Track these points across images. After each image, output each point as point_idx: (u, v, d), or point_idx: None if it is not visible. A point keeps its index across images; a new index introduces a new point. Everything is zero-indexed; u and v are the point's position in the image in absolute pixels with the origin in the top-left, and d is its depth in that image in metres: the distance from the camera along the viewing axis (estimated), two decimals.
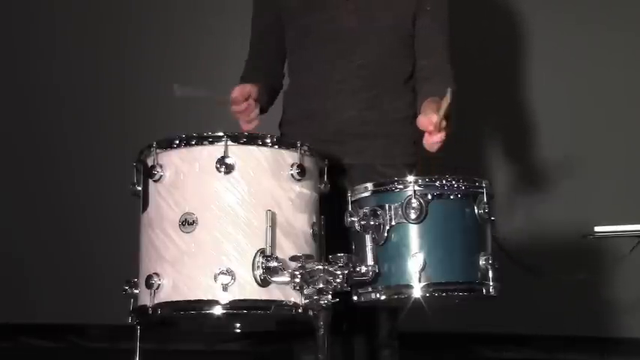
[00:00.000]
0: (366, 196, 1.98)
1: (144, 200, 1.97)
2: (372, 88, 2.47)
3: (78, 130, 4.85)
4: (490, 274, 1.93)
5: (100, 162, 4.70)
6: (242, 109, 2.36)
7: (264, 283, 1.84)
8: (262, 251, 1.84)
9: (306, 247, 1.94)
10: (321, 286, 1.84)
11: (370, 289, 1.95)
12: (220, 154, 1.88)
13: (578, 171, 4.11)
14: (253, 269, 1.84)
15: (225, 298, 1.82)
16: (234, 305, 1.83)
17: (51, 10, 4.94)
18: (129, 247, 2.04)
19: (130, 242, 2.03)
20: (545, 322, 4.08)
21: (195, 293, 1.84)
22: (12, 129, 4.96)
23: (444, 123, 2.11)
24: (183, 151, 1.93)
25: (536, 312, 4.02)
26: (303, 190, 1.96)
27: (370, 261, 1.92)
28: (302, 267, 1.84)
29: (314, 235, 1.97)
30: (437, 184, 1.93)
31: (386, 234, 1.91)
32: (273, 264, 1.83)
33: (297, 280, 1.84)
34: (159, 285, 1.87)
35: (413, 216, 1.89)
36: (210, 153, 1.89)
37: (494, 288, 1.94)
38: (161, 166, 1.92)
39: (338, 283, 1.86)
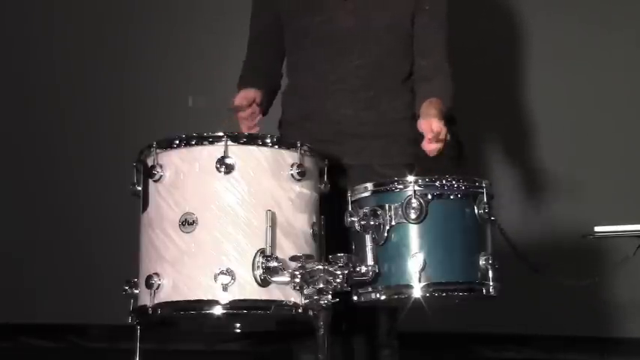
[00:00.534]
0: (366, 196, 1.98)
1: (144, 200, 1.97)
2: (370, 88, 2.47)
3: (78, 130, 4.85)
4: (490, 274, 1.93)
5: (100, 162, 4.70)
6: (247, 116, 2.38)
7: (264, 283, 1.84)
8: (262, 251, 1.84)
9: (306, 247, 1.94)
10: (321, 286, 1.84)
11: (370, 289, 1.95)
12: (220, 154, 1.88)
13: (578, 171, 4.12)
14: (253, 269, 1.84)
15: (225, 298, 1.82)
16: (234, 305, 1.83)
17: (51, 9, 4.94)
18: (129, 247, 2.04)
19: (130, 242, 2.03)
20: (545, 322, 4.08)
21: (195, 293, 1.85)
22: (12, 129, 4.96)
23: (443, 133, 2.13)
24: (183, 151, 1.93)
25: (536, 312, 4.02)
26: (303, 190, 1.96)
27: (370, 261, 1.92)
28: (302, 267, 1.85)
29: (314, 235, 1.97)
30: (437, 184, 1.93)
31: (386, 234, 1.92)
32: (273, 264, 1.83)
33: (297, 280, 1.84)
34: (159, 285, 1.87)
35: (413, 216, 1.89)
36: (210, 153, 1.89)
37: (494, 288, 1.94)
38: (161, 166, 1.92)
39: (338, 283, 1.86)
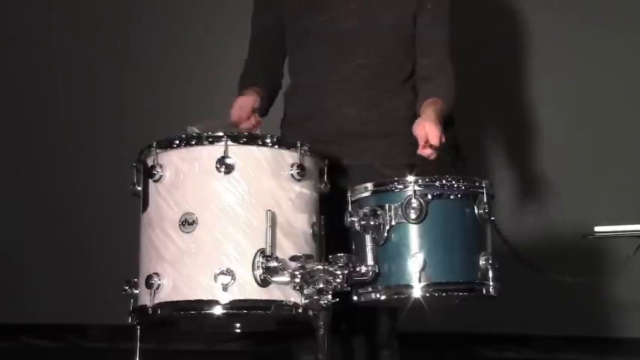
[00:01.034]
0: (366, 196, 1.98)
1: (144, 200, 1.98)
2: (372, 88, 2.46)
3: (78, 130, 4.84)
4: (490, 274, 1.93)
5: (100, 162, 4.70)
6: (250, 127, 2.39)
7: (264, 283, 1.84)
8: (262, 251, 1.84)
9: (306, 247, 1.94)
10: (321, 286, 1.85)
11: (370, 289, 1.95)
12: (220, 154, 1.88)
13: (578, 171, 4.12)
14: (253, 269, 1.84)
15: (225, 298, 1.82)
16: (234, 305, 1.83)
17: (50, 9, 4.94)
18: (129, 247, 2.04)
19: (130, 242, 2.03)
20: (545, 322, 4.08)
21: (195, 293, 1.85)
22: (12, 129, 4.96)
23: (436, 137, 2.13)
24: (183, 151, 1.93)
25: (536, 312, 4.02)
26: (303, 190, 1.96)
27: (370, 261, 1.92)
28: (302, 267, 1.85)
29: (314, 235, 1.97)
30: (437, 184, 1.93)
31: (386, 234, 1.92)
32: (273, 264, 1.83)
33: (297, 280, 1.84)
34: (159, 285, 1.87)
35: (413, 216, 1.89)
36: (210, 153, 1.90)
37: (494, 288, 1.94)
38: (161, 166, 1.92)
39: (338, 283, 1.86)
